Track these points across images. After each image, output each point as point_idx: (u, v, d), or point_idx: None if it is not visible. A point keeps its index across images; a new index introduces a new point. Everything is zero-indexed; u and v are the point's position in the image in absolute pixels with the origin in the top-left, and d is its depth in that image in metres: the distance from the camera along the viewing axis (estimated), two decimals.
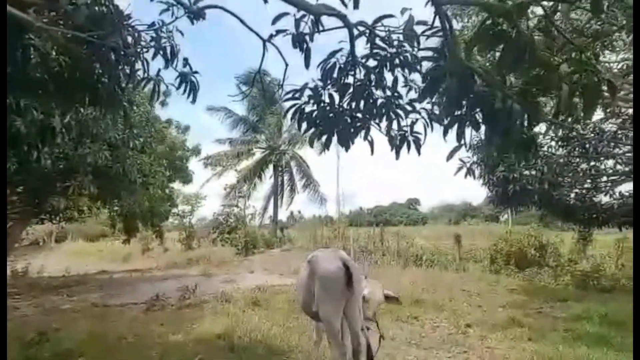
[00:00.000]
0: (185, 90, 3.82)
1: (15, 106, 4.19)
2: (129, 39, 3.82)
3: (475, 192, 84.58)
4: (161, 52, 3.76)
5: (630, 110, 9.73)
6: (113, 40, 3.64)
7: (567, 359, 5.02)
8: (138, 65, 3.99)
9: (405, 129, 3.38)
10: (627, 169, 10.27)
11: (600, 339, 5.91)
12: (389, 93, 3.42)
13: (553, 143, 10.09)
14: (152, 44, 3.78)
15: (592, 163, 10.44)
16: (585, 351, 5.24)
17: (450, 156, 4.12)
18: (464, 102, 2.81)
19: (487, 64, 2.79)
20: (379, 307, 4.55)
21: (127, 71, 4.12)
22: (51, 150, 5.95)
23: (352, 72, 3.40)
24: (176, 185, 19.03)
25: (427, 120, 3.37)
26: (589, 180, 10.58)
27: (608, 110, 8.98)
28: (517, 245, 14.32)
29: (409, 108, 3.35)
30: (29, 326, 6.17)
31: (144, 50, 3.88)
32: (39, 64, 3.90)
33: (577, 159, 10.39)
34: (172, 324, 6.69)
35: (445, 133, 2.87)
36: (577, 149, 10.14)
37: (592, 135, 10.01)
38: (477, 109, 2.75)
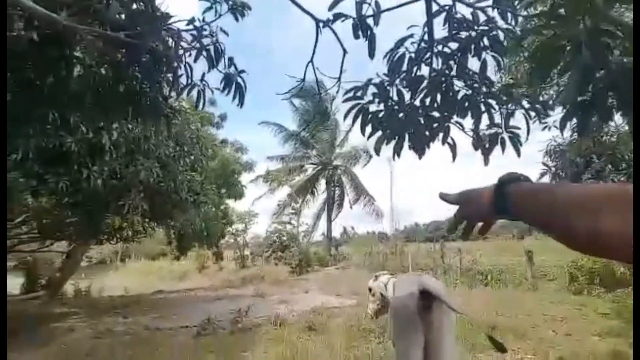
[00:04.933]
0: (230, 92, 3.39)
1: (61, 121, 4.00)
2: (169, 41, 3.46)
3: None
4: (204, 53, 3.36)
5: None
6: (152, 41, 3.28)
7: None
8: (180, 70, 3.64)
9: (499, 125, 2.71)
10: None
11: None
12: (475, 83, 2.77)
13: None
14: (194, 44, 3.38)
15: None
16: None
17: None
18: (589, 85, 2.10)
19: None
20: None
21: (170, 78, 3.77)
22: (101, 169, 5.80)
23: (429, 60, 2.79)
24: (229, 202, 19.20)
25: (527, 112, 2.68)
26: None
27: None
28: (602, 262, 12.67)
29: (503, 97, 2.68)
30: (78, 351, 6.00)
31: (186, 53, 3.50)
32: (81, 76, 3.64)
33: None
34: (222, 351, 6.25)
35: (562, 126, 2.17)
36: None
37: None
38: (610, 92, 2.04)
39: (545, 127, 7.84)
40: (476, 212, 0.95)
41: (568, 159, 7.64)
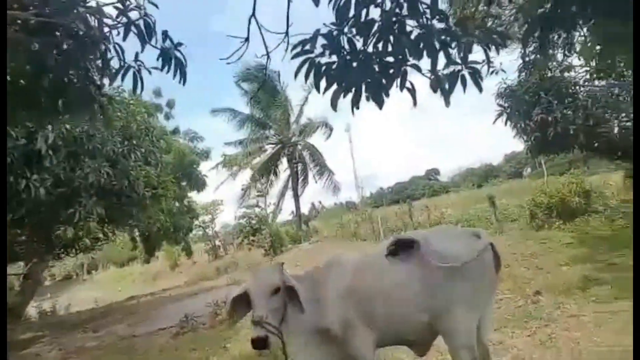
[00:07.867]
0: (169, 69, 3.07)
1: None
2: (91, 19, 3.08)
3: (493, 151, 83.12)
4: (134, 28, 3.01)
5: None
6: (69, 20, 2.90)
7: None
8: (110, 53, 3.27)
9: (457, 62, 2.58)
10: None
11: None
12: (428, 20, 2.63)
13: (588, 76, 9.11)
14: (120, 19, 3.03)
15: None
16: None
17: None
18: None
19: None
20: None
21: (99, 63, 3.38)
22: (41, 177, 5.26)
23: (379, 1, 2.61)
24: (192, 195, 18.70)
25: (487, 45, 2.57)
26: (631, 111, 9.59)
27: None
28: (558, 196, 13.28)
29: (458, 32, 2.55)
30: None
31: (113, 31, 3.13)
32: None
33: (615, 89, 9.38)
34: (204, 346, 6.08)
35: (525, 42, 2.07)
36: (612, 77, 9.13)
37: None
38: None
39: (492, 72, 7.96)
40: None
41: (518, 97, 7.77)
